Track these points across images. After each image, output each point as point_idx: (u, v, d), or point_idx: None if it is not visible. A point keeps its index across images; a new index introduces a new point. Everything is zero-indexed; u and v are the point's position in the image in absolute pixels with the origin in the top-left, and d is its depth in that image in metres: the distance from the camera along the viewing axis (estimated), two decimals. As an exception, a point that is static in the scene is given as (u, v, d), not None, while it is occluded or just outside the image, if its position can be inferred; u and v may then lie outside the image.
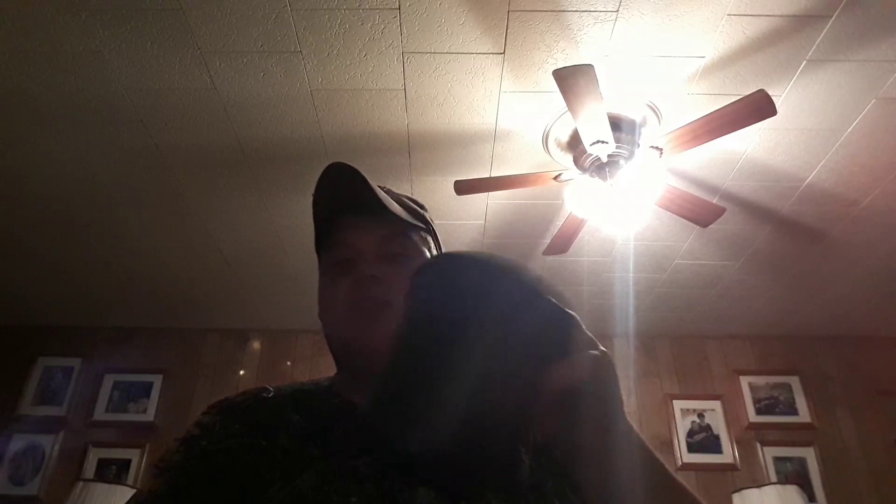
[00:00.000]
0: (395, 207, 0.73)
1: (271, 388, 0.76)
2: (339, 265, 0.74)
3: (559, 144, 2.26)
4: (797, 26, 1.81)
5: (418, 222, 0.79)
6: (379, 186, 0.77)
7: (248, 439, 0.64)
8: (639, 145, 2.13)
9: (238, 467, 0.61)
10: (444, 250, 0.85)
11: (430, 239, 0.81)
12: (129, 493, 2.50)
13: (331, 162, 0.71)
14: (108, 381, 3.50)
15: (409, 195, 0.85)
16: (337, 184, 0.72)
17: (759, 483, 3.07)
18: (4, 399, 3.41)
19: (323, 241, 0.77)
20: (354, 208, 0.73)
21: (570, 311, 0.55)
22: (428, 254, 0.79)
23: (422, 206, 0.84)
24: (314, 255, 0.79)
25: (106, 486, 2.76)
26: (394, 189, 0.84)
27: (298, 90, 2.05)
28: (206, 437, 0.68)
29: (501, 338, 0.47)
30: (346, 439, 0.61)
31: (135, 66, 1.95)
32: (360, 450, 0.59)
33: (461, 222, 2.76)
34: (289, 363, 3.59)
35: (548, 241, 2.66)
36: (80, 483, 2.75)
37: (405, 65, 1.96)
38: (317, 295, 0.77)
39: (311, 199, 0.76)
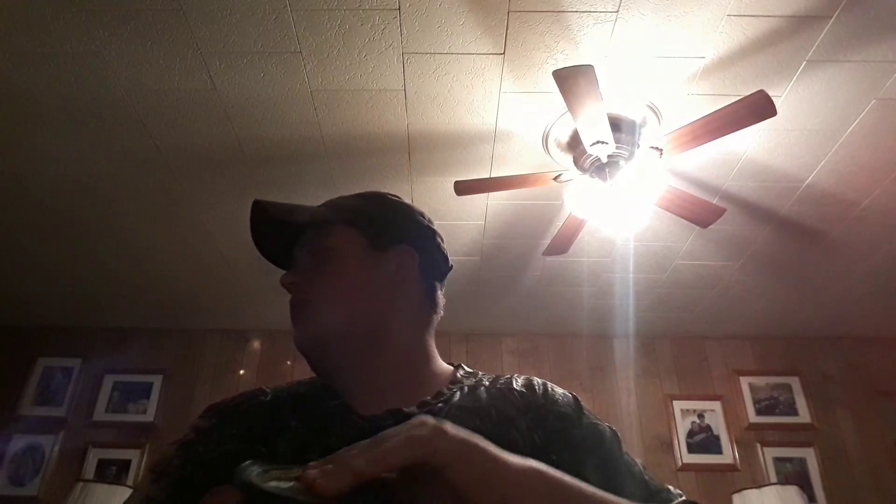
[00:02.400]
0: (299, 213, 0.76)
1: (268, 390, 0.76)
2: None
3: (559, 145, 2.26)
4: (797, 27, 1.81)
5: (341, 217, 0.78)
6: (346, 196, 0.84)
7: (246, 445, 0.64)
8: (639, 146, 2.13)
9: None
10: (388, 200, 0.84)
11: (364, 228, 0.78)
12: (129, 493, 2.50)
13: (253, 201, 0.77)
14: (108, 382, 3.50)
15: (380, 192, 0.86)
16: (258, 218, 0.78)
17: (759, 483, 3.07)
18: (4, 399, 3.41)
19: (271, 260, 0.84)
20: (277, 230, 0.78)
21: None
22: (356, 245, 0.77)
23: (377, 199, 0.84)
24: None
25: (106, 486, 2.76)
26: (391, 190, 0.85)
27: (298, 91, 2.05)
28: (202, 442, 0.67)
29: None
30: (341, 444, 0.61)
31: (135, 66, 1.95)
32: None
33: (461, 223, 2.76)
34: (289, 363, 3.59)
35: (548, 241, 2.66)
36: (80, 483, 2.75)
37: (405, 65, 1.96)
38: None
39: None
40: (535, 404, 0.71)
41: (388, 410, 0.66)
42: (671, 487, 0.68)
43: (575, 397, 0.75)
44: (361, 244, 0.77)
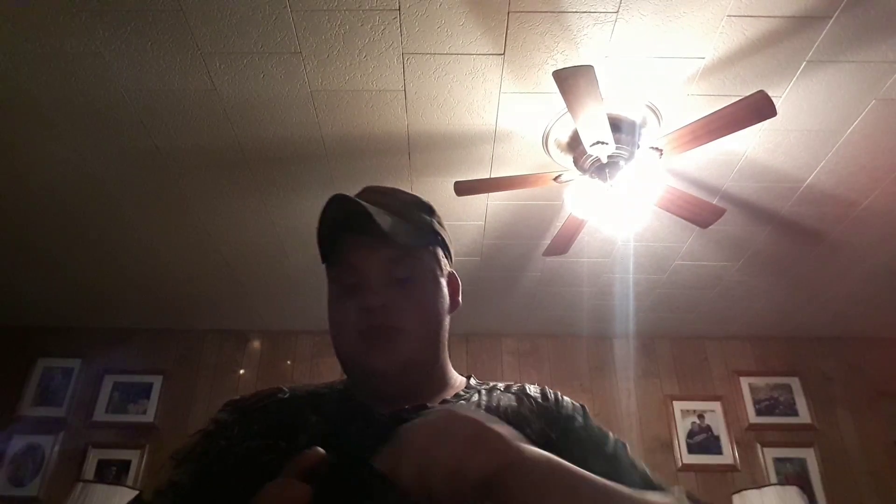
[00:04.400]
0: (399, 231, 0.72)
1: (286, 389, 0.78)
2: (347, 288, 0.73)
3: (559, 145, 2.26)
4: (797, 27, 1.81)
5: (426, 238, 0.78)
6: (383, 190, 0.80)
7: (268, 440, 0.66)
8: (639, 146, 2.13)
9: (259, 467, 0.62)
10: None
11: (439, 251, 0.80)
12: (129, 494, 2.50)
13: (335, 194, 0.70)
14: (108, 382, 3.50)
15: (417, 195, 0.84)
16: (341, 209, 0.71)
17: (759, 484, 3.07)
18: (4, 400, 3.41)
19: (328, 257, 0.76)
20: (358, 229, 0.72)
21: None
22: (437, 270, 0.78)
23: (430, 210, 0.83)
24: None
25: (106, 487, 2.75)
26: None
27: (298, 91, 2.05)
28: (224, 435, 0.69)
29: None
30: (363, 439, 0.63)
31: (135, 67, 1.95)
32: (376, 450, 0.61)
33: (461, 223, 2.76)
34: (289, 363, 3.59)
35: (548, 241, 2.66)
36: (80, 484, 2.75)
37: (405, 66, 1.96)
38: (322, 301, 0.78)
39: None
40: (548, 408, 0.75)
41: (411, 406, 0.69)
42: (676, 488, 0.70)
43: (583, 406, 0.79)
44: (437, 271, 0.78)
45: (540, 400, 0.76)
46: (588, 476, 0.54)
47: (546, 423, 0.72)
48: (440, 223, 0.83)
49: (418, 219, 0.78)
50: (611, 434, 0.75)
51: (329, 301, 0.76)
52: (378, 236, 0.69)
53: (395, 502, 0.50)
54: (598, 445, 0.72)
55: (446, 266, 0.82)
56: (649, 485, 0.68)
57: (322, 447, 0.58)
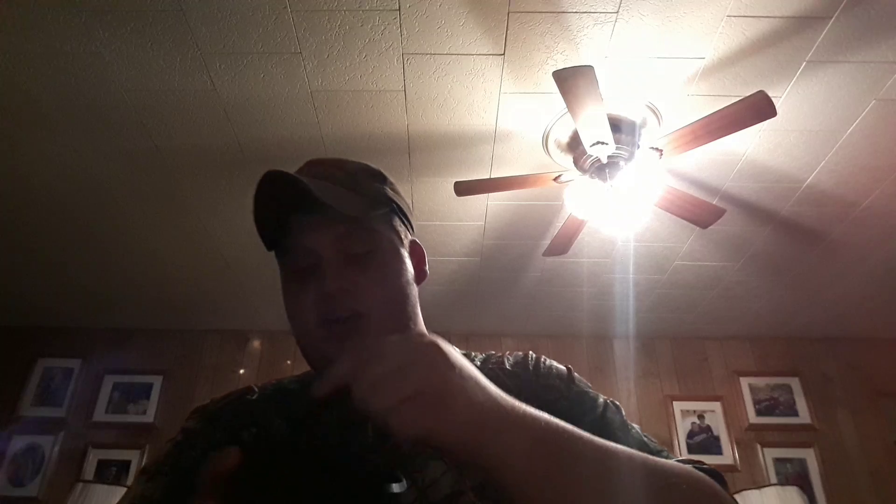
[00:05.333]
0: (347, 203, 0.66)
1: (256, 389, 0.75)
2: (301, 273, 0.67)
3: (559, 145, 2.26)
4: (797, 27, 1.81)
5: (379, 208, 0.71)
6: (327, 162, 0.73)
7: (232, 446, 0.64)
8: (639, 146, 2.13)
9: None
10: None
11: (396, 220, 0.73)
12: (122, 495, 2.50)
13: (268, 171, 0.63)
14: (108, 383, 3.50)
15: (365, 163, 0.76)
16: (276, 188, 0.64)
17: (759, 484, 3.07)
18: (4, 400, 3.41)
19: (277, 243, 0.70)
20: (302, 207, 0.66)
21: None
22: (397, 240, 0.72)
23: (380, 177, 0.75)
24: None
25: (105, 487, 2.75)
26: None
27: (298, 91, 2.05)
28: (191, 444, 0.67)
29: None
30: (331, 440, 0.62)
31: (135, 67, 1.95)
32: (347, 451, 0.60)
33: (461, 223, 2.76)
34: (289, 363, 3.59)
35: (548, 242, 2.66)
36: (80, 484, 2.75)
37: (405, 66, 1.96)
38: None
39: None
40: (526, 382, 0.68)
41: None
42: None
43: (567, 369, 0.72)
44: (396, 242, 0.72)
45: (518, 372, 0.70)
46: (587, 436, 0.49)
47: (525, 400, 0.66)
48: (394, 190, 0.76)
49: (368, 188, 0.71)
50: (600, 397, 0.70)
51: (283, 291, 0.70)
52: (324, 212, 0.64)
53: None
54: (584, 412, 0.66)
55: (407, 235, 0.75)
56: (645, 450, 0.62)
57: (283, 449, 0.55)
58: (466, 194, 2.29)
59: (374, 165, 0.77)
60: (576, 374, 0.72)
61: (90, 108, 2.11)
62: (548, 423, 0.48)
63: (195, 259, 3.03)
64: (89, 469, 3.24)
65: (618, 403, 0.70)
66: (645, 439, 0.67)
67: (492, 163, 2.38)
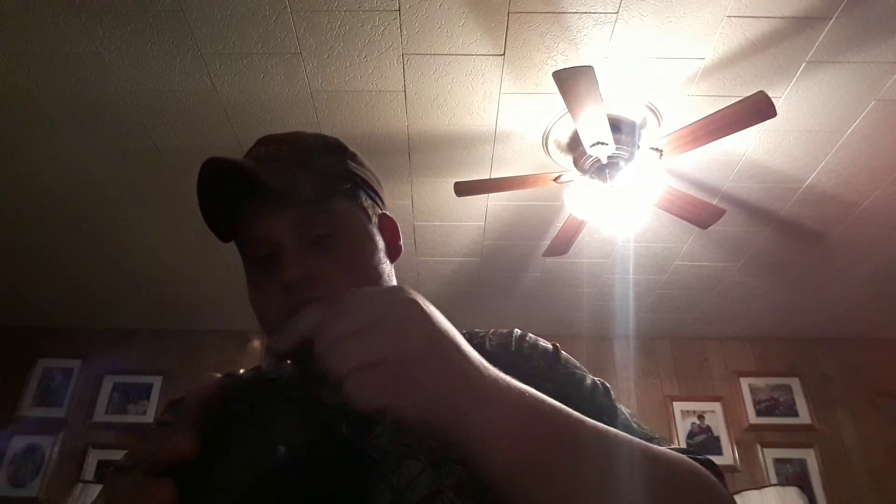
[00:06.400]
0: (299, 184, 0.61)
1: (236, 377, 0.71)
2: (262, 263, 0.62)
3: (559, 146, 2.26)
4: (797, 28, 1.81)
5: (339, 183, 0.66)
6: (279, 139, 0.67)
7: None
8: (639, 147, 2.13)
9: None
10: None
11: (360, 195, 0.68)
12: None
13: (207, 158, 0.59)
14: (108, 383, 3.49)
15: (323, 134, 0.72)
16: (224, 178, 0.61)
17: (759, 485, 3.06)
18: (4, 400, 3.40)
19: (236, 233, 0.65)
20: (251, 193, 0.62)
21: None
22: (363, 217, 0.67)
23: (340, 149, 0.71)
24: None
25: (105, 487, 2.75)
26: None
27: (298, 92, 2.05)
28: None
29: None
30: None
31: (135, 67, 1.95)
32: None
33: (461, 224, 2.76)
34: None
35: (548, 242, 2.66)
36: (80, 484, 2.75)
37: (405, 66, 1.96)
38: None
39: None
40: (507, 365, 0.62)
41: None
42: (662, 437, 0.62)
43: (554, 347, 0.68)
44: (362, 219, 0.67)
45: (498, 354, 0.64)
46: (580, 416, 0.44)
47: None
48: (357, 162, 0.71)
49: (325, 163, 0.66)
50: (588, 378, 0.65)
51: (247, 283, 0.65)
52: (275, 197, 0.59)
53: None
54: (570, 395, 0.60)
55: (376, 210, 0.70)
56: (634, 435, 0.59)
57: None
58: (466, 195, 2.29)
59: (332, 137, 0.72)
60: (563, 353, 0.67)
61: (90, 108, 2.11)
62: (535, 398, 0.43)
63: (195, 259, 3.03)
64: (89, 469, 3.23)
65: (608, 385, 0.65)
66: (635, 424, 0.62)
67: (492, 163, 2.38)
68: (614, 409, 0.63)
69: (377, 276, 0.65)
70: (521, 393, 0.43)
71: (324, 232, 0.62)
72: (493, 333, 0.69)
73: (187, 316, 3.58)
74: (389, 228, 0.71)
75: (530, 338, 0.67)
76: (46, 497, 3.18)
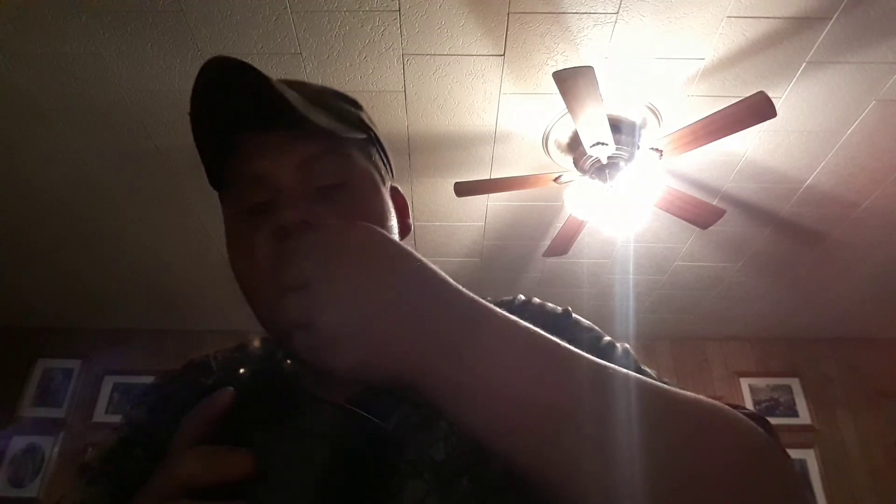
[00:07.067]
0: (317, 113, 0.50)
1: (214, 369, 0.63)
2: (252, 212, 0.52)
3: (559, 146, 2.26)
4: (797, 28, 1.81)
5: (354, 130, 0.56)
6: (286, 82, 0.53)
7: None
8: (639, 147, 2.13)
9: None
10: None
11: (373, 151, 0.59)
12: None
13: (211, 58, 0.47)
14: (108, 383, 3.50)
15: (335, 89, 0.62)
16: (225, 87, 0.48)
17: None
18: (4, 400, 3.40)
19: (222, 170, 0.55)
20: (257, 121, 0.51)
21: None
22: (376, 174, 0.58)
23: (354, 103, 0.61)
24: None
25: (105, 487, 2.75)
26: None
27: (299, 92, 2.05)
28: (138, 440, 0.57)
29: None
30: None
31: (135, 67, 1.95)
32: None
33: (461, 224, 2.76)
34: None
35: (548, 242, 2.66)
36: (80, 485, 2.74)
37: (405, 66, 1.96)
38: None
39: None
40: None
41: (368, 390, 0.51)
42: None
43: (565, 310, 0.58)
44: (377, 178, 0.58)
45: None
46: (575, 351, 0.37)
47: None
48: (371, 121, 0.62)
49: (340, 107, 0.57)
50: (606, 337, 0.55)
51: (228, 238, 0.54)
52: (287, 126, 0.49)
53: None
54: (580, 345, 0.48)
55: (387, 176, 0.62)
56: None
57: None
58: (466, 195, 2.29)
59: (343, 90, 0.63)
60: (576, 315, 0.58)
61: (90, 108, 2.11)
62: (530, 329, 0.37)
63: (195, 259, 3.02)
64: (89, 470, 3.23)
65: (628, 347, 0.54)
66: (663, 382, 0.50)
67: (492, 163, 2.38)
68: (637, 370, 0.51)
69: None
70: (515, 321, 0.37)
71: (335, 181, 0.52)
72: (495, 300, 0.59)
73: (187, 316, 3.58)
74: (399, 203, 0.63)
75: (536, 301, 0.59)
76: (46, 497, 3.18)
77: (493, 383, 0.34)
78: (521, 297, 0.61)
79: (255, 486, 0.36)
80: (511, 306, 0.59)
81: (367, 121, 0.60)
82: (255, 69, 0.46)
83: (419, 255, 0.39)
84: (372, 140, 0.59)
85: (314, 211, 0.49)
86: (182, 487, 0.34)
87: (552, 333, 0.39)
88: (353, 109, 0.60)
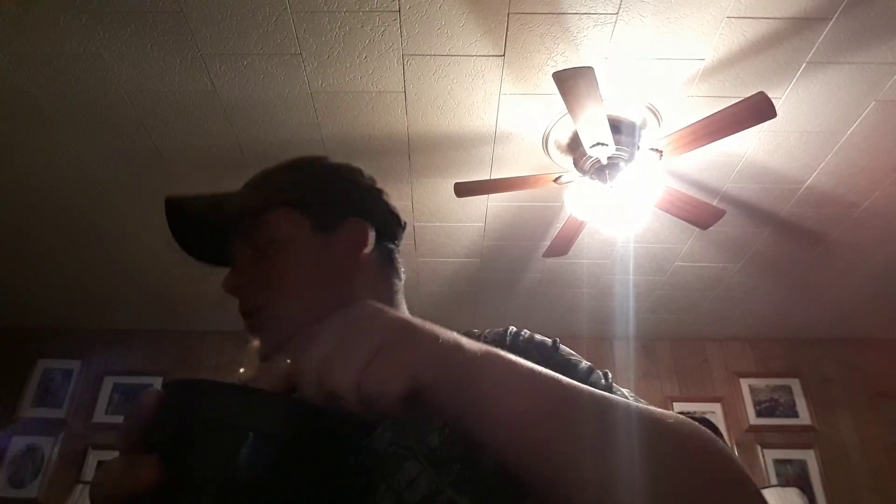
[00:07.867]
0: (225, 207, 0.71)
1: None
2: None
3: (559, 146, 2.26)
4: (797, 28, 1.81)
5: (276, 195, 0.70)
6: (241, 189, 0.75)
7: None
8: (639, 147, 2.13)
9: None
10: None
11: (305, 201, 0.70)
12: None
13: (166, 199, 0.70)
14: (108, 384, 3.50)
15: (308, 157, 0.75)
16: (177, 217, 0.73)
17: (759, 486, 3.06)
18: (4, 401, 3.40)
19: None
20: (202, 227, 0.72)
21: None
22: (297, 228, 0.68)
23: (297, 165, 0.74)
24: None
25: (105, 488, 2.75)
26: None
27: (298, 92, 2.05)
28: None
29: None
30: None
31: (135, 68, 1.95)
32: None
33: (461, 224, 2.76)
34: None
35: (548, 243, 2.66)
36: (80, 485, 2.75)
37: (405, 67, 1.96)
38: None
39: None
40: None
41: None
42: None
43: (553, 341, 0.64)
44: (306, 228, 0.68)
45: None
46: (575, 383, 0.44)
47: None
48: (314, 171, 0.73)
49: (274, 179, 0.73)
50: (584, 363, 0.61)
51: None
52: (199, 219, 0.70)
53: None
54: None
55: (329, 218, 0.70)
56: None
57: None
58: (466, 195, 2.29)
59: (320, 157, 0.76)
60: (563, 346, 0.64)
61: (90, 108, 2.11)
62: (527, 364, 0.44)
63: (195, 260, 3.02)
64: (89, 470, 3.23)
65: (608, 372, 0.61)
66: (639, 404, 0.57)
67: (492, 164, 2.38)
68: (611, 390, 0.58)
69: (304, 284, 0.66)
70: (512, 358, 0.43)
71: (262, 241, 0.68)
72: (488, 332, 0.68)
73: (187, 316, 3.58)
74: (348, 238, 0.69)
75: (526, 333, 0.66)
76: (46, 498, 3.18)
77: (508, 395, 0.41)
78: (513, 328, 0.67)
79: (174, 489, 0.37)
80: (503, 336, 0.65)
81: (302, 178, 0.72)
82: (178, 200, 0.71)
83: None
84: (305, 194, 0.70)
85: (246, 275, 0.70)
86: (108, 501, 0.38)
87: (540, 364, 0.47)
88: (291, 173, 0.73)
